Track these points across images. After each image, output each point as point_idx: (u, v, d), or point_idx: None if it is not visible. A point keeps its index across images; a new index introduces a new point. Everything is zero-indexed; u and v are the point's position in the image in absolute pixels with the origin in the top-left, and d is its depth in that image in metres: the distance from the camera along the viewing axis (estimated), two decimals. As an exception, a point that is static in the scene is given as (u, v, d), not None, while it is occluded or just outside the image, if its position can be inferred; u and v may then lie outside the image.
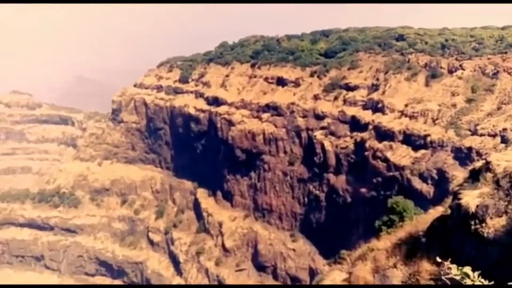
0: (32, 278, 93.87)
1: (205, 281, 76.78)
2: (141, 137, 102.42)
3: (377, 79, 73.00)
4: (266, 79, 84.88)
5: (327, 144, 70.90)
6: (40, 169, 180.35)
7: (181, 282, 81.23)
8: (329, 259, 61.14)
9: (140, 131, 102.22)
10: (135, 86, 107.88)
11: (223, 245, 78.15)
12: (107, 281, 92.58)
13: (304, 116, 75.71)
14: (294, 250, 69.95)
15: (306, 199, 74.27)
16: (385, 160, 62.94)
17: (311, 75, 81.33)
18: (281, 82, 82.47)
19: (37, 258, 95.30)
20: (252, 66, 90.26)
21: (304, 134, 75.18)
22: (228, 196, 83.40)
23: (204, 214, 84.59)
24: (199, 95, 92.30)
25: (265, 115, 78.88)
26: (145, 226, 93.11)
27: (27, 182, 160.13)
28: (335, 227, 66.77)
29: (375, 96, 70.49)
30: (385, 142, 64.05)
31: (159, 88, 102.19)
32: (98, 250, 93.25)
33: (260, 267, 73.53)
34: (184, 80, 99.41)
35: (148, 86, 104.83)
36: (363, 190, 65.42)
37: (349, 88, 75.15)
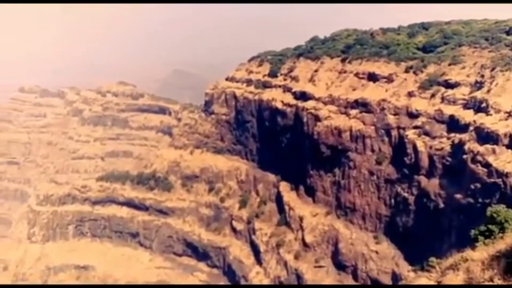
0: (128, 252, 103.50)
1: (284, 273, 77.63)
2: (229, 129, 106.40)
3: (482, 76, 66.54)
4: (356, 74, 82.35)
5: (420, 145, 66.72)
6: (139, 154, 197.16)
7: (261, 271, 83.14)
8: (414, 265, 57.81)
9: (229, 123, 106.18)
10: (226, 79, 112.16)
11: (303, 240, 78.18)
12: (193, 262, 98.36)
13: (396, 114, 72.04)
14: (376, 252, 67.33)
15: (392, 200, 70.87)
16: (486, 165, 57.35)
17: (406, 71, 76.94)
18: (372, 77, 79.37)
19: (133, 235, 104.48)
20: (343, 60, 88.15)
21: (394, 133, 71.64)
22: (310, 192, 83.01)
23: (286, 207, 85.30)
24: (287, 89, 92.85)
25: (353, 112, 76.68)
26: (229, 214, 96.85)
27: (128, 165, 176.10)
28: (423, 232, 62.81)
29: (479, 94, 64.39)
30: (488, 146, 58.31)
31: (248, 82, 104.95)
32: (186, 232, 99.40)
33: (339, 266, 72.15)
34: (273, 74, 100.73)
35: (239, 80, 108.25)
36: (458, 196, 60.45)
37: (449, 85, 69.63)
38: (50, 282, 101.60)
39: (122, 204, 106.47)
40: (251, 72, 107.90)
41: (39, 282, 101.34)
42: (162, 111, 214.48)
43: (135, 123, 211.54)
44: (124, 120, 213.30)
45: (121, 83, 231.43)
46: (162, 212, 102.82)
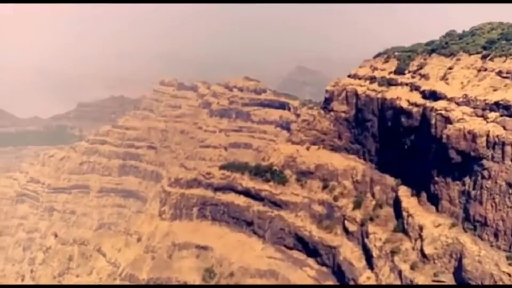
0: (243, 239, 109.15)
1: (397, 282, 73.26)
2: (348, 127, 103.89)
3: None
4: (499, 73, 72.70)
5: None
6: (258, 146, 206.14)
7: (372, 276, 79.84)
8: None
9: (348, 121, 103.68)
10: (349, 76, 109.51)
11: (421, 250, 72.55)
12: (303, 256, 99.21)
13: (547, 120, 61.72)
14: (509, 274, 59.01)
15: (535, 219, 61.09)
16: None
17: None
18: (519, 77, 69.15)
19: (248, 222, 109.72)
20: (483, 57, 78.66)
21: (543, 142, 61.48)
22: (433, 200, 76.41)
23: (404, 213, 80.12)
24: (414, 88, 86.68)
25: (492, 115, 67.98)
26: (342, 213, 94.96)
27: (248, 156, 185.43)
28: None
29: None
30: None
31: (372, 79, 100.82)
32: (297, 226, 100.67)
33: (462, 283, 65.14)
34: (400, 71, 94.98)
35: (362, 77, 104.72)
36: None
37: None
38: (174, 257, 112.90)
39: (240, 192, 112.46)
40: (375, 69, 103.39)
41: (165, 256, 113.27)
42: (282, 106, 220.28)
43: (257, 116, 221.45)
44: (247, 113, 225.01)
45: (246, 79, 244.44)
46: (276, 204, 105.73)
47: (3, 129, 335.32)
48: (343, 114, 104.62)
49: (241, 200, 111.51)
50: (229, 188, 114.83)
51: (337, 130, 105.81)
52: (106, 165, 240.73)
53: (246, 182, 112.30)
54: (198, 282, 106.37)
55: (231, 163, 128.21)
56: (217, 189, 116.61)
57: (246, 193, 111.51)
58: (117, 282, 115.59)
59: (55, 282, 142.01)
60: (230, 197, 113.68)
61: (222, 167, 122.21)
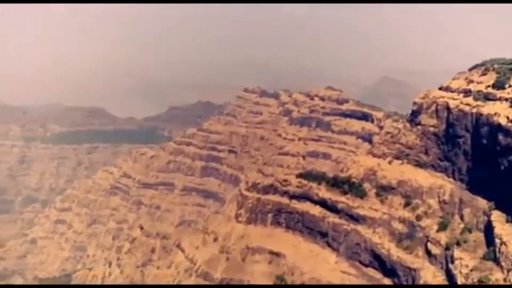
0: (316, 250, 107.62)
1: (484, 316, 66.76)
2: (437, 142, 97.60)
3: None
4: None
5: None
6: (337, 157, 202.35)
7: (454, 305, 73.76)
8: None
9: (437, 136, 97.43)
10: (440, 89, 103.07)
11: (515, 284, 65.38)
12: (378, 275, 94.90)
13: None
14: None
15: None
16: None
17: None
18: None
19: (322, 234, 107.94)
20: None
21: None
22: (534, 229, 68.49)
23: (497, 240, 72.83)
24: (516, 103, 78.87)
25: None
26: (425, 234, 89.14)
27: (326, 166, 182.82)
28: None
29: None
30: None
31: (466, 93, 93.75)
32: (374, 243, 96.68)
33: None
34: (499, 85, 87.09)
35: (455, 90, 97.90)
36: None
37: None
38: (248, 260, 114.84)
39: (316, 202, 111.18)
40: (471, 81, 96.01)
41: (239, 258, 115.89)
42: (365, 117, 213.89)
43: (337, 127, 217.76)
44: (327, 123, 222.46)
45: (329, 88, 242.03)
46: (353, 218, 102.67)
47: (103, 127, 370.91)
48: (431, 129, 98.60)
49: (316, 210, 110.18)
50: (305, 197, 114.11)
51: (424, 145, 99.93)
52: (190, 165, 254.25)
53: (323, 192, 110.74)
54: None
55: (309, 172, 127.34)
56: (292, 197, 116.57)
57: (322, 203, 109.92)
58: (193, 278, 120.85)
59: (137, 272, 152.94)
60: (306, 206, 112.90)
61: (299, 176, 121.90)
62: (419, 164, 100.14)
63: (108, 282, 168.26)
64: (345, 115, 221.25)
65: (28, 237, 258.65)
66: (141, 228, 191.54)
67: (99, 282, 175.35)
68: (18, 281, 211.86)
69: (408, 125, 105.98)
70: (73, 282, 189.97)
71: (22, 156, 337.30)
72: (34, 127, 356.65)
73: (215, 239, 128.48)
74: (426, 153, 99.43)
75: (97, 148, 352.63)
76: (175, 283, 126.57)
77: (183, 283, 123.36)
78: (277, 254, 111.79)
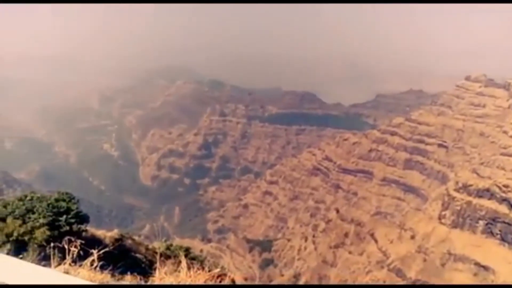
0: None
1: None
2: None
3: None
4: None
5: None
6: None
7: None
8: None
9: None
10: None
11: None
12: None
13: None
14: None
15: None
16: None
17: None
18: None
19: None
20: None
21: None
22: None
23: None
24: None
25: None
26: None
27: None
28: None
29: None
30: None
31: None
32: None
33: None
34: None
35: None
36: None
37: None
38: (448, 266, 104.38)
39: None
40: None
41: (437, 262, 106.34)
42: None
43: None
44: None
45: None
46: None
47: (311, 111, 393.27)
48: None
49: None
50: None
51: None
52: (393, 156, 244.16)
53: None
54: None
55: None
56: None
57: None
58: (384, 271, 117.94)
59: (329, 252, 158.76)
60: None
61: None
62: None
63: (303, 256, 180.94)
64: None
65: (242, 201, 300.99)
66: (337, 211, 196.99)
67: (295, 253, 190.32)
68: (231, 238, 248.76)
69: None
70: (273, 249, 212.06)
71: (244, 132, 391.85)
72: (255, 107, 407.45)
73: (412, 237, 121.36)
74: None
75: (304, 130, 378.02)
76: (365, 272, 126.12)
77: (374, 274, 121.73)
78: (486, 268, 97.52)
